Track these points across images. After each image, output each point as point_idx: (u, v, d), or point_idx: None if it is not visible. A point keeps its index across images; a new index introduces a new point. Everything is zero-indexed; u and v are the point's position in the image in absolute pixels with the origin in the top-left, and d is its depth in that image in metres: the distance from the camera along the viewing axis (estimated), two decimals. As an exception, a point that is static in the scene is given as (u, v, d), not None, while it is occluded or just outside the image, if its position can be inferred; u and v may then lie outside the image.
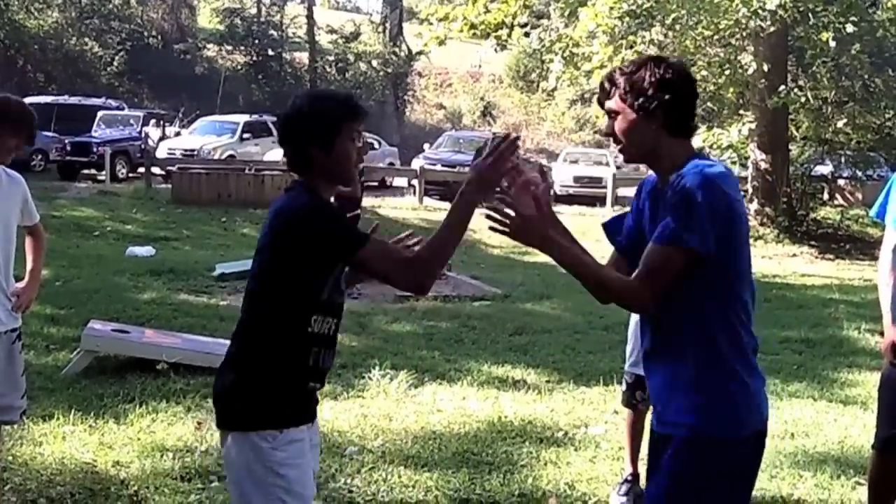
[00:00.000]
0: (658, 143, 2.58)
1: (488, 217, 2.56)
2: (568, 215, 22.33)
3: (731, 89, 19.35)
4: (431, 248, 2.68)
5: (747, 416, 2.58)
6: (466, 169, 19.27)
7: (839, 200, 24.11)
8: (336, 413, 5.72)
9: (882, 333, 4.03)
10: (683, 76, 2.60)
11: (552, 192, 17.01)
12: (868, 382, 6.80)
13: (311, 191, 2.70)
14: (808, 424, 5.96)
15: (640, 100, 2.54)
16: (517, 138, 2.64)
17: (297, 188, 2.73)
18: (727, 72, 18.79)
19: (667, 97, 2.53)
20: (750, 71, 18.14)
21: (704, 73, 19.13)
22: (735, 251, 2.53)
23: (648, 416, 4.77)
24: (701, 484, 2.55)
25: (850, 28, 17.42)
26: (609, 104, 2.62)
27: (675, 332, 2.59)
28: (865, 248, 19.49)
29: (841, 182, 24.32)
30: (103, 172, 23.84)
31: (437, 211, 21.84)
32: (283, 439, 2.63)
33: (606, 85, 2.62)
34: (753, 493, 4.61)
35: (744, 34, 18.70)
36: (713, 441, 2.53)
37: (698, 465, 2.54)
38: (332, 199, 2.87)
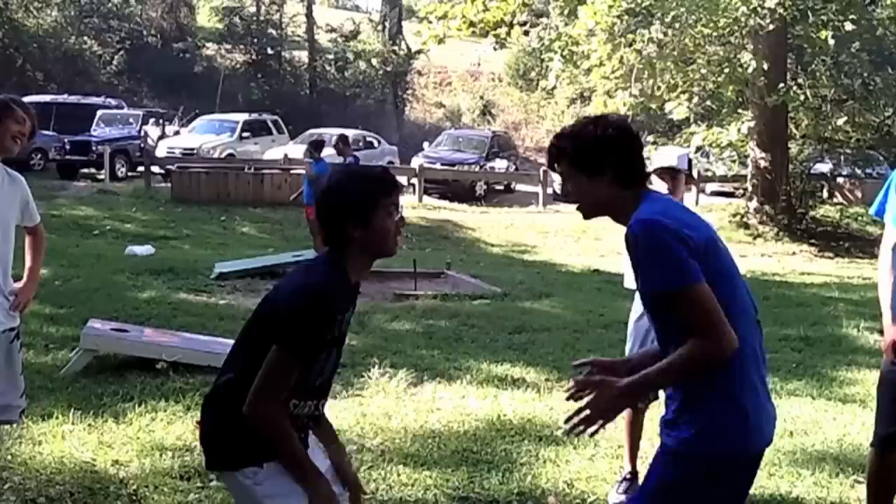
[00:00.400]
0: (612, 197, 2.66)
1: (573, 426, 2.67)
2: (567, 213, 22.36)
3: (731, 87, 19.36)
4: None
5: (743, 437, 2.60)
6: (466, 167, 19.42)
7: (838, 198, 24.12)
8: (335, 411, 5.70)
9: (881, 332, 4.03)
10: (624, 131, 2.67)
11: (553, 191, 16.80)
12: (867, 380, 6.80)
13: (336, 268, 2.71)
14: (807, 422, 5.96)
15: (587, 162, 2.63)
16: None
17: (322, 260, 2.77)
18: (726, 70, 18.81)
19: (612, 156, 2.62)
20: (749, 69, 18.15)
21: (704, 71, 19.15)
22: (717, 278, 2.54)
23: (648, 415, 4.78)
24: (683, 495, 2.60)
25: (849, 26, 17.43)
26: (560, 169, 2.71)
27: (673, 345, 2.62)
28: (865, 246, 19.50)
29: (840, 180, 24.32)
30: (103, 171, 23.84)
31: (437, 209, 21.87)
32: (264, 475, 2.65)
33: (554, 151, 2.71)
34: (752, 491, 4.62)
35: (743, 32, 18.69)
36: (702, 457, 2.57)
37: (685, 477, 2.59)
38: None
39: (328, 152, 14.91)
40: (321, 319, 2.61)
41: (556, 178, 28.92)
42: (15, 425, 4.72)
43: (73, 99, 28.95)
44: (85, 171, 24.85)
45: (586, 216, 2.76)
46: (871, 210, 4.09)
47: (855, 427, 5.79)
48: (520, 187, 26.83)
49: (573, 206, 2.73)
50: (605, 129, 2.63)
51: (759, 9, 17.21)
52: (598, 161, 2.62)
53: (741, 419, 2.59)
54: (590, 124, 2.67)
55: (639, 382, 2.60)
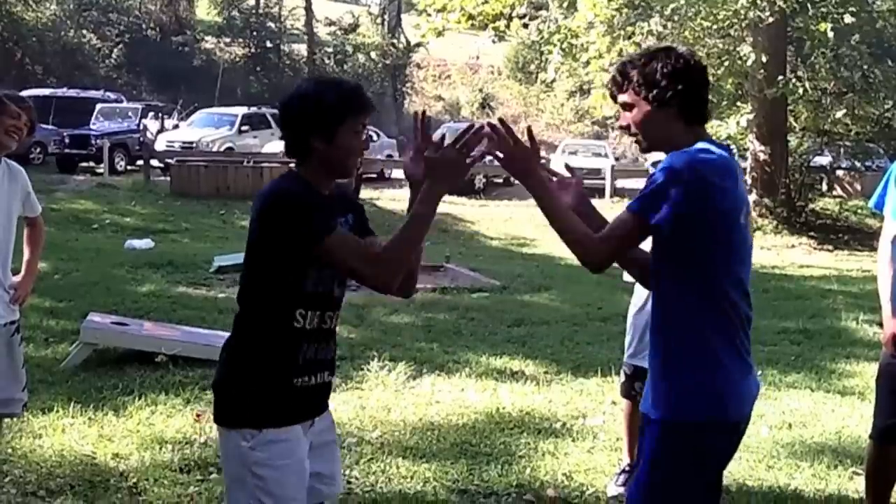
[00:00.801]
0: (673, 132, 2.61)
1: (490, 125, 2.57)
2: (567, 207, 22.35)
3: (730, 80, 19.35)
4: (397, 244, 2.54)
5: (725, 404, 2.59)
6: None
7: (838, 191, 24.14)
8: (335, 405, 5.72)
9: (881, 324, 4.03)
10: (694, 65, 2.62)
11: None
12: (866, 373, 6.81)
13: (299, 179, 2.63)
14: (806, 415, 5.97)
15: (654, 91, 2.57)
16: (481, 127, 2.56)
17: (287, 175, 2.68)
18: (726, 63, 18.78)
19: (680, 87, 2.56)
20: (749, 62, 18.13)
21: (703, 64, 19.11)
22: (707, 238, 2.53)
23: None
24: (671, 465, 2.58)
25: (848, 18, 17.42)
26: (622, 97, 2.64)
27: (665, 319, 2.64)
28: (864, 238, 19.51)
29: (840, 173, 24.35)
30: (102, 165, 23.82)
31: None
32: (262, 439, 2.57)
33: (619, 78, 2.63)
34: (751, 483, 4.65)
35: (742, 25, 18.68)
36: (685, 425, 2.56)
37: (670, 448, 2.58)
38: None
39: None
40: (311, 205, 2.52)
41: (557, 167, 29.25)
42: (15, 419, 4.73)
43: (72, 93, 28.94)
44: (84, 164, 24.83)
45: (644, 149, 2.72)
46: (871, 203, 4.09)
47: (853, 419, 5.80)
48: (519, 180, 26.79)
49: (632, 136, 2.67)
50: (677, 59, 2.57)
51: (758, 1, 17.21)
52: (666, 90, 2.55)
53: (726, 384, 2.58)
54: (660, 52, 2.60)
55: (539, 185, 2.64)
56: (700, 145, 2.57)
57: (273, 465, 2.57)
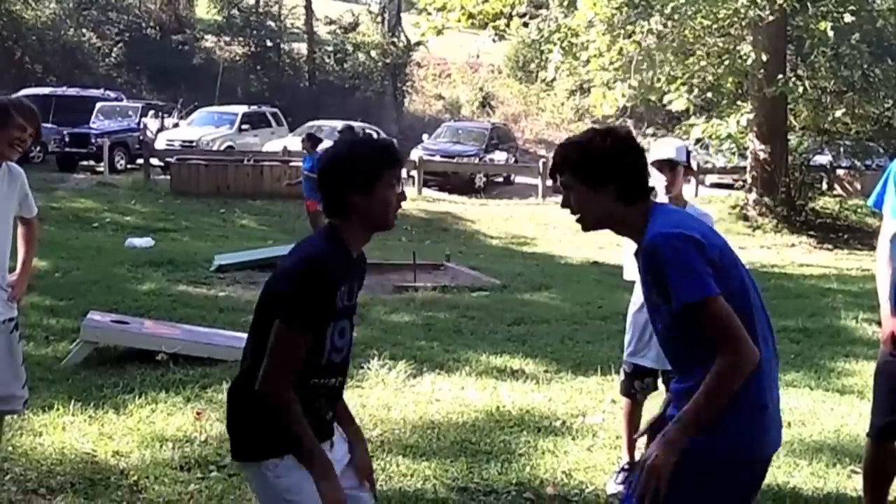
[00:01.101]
0: (613, 212, 2.65)
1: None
2: (567, 206, 22.35)
3: (730, 79, 19.37)
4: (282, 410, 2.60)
5: (754, 441, 2.61)
6: (465, 159, 19.42)
7: (838, 190, 24.13)
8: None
9: (880, 323, 4.04)
10: (629, 147, 2.65)
11: (552, 183, 16.78)
12: (865, 372, 6.82)
13: (334, 239, 2.69)
14: (805, 413, 5.98)
15: (592, 174, 2.61)
16: None
17: (323, 232, 2.74)
18: (726, 62, 18.80)
19: (613, 170, 2.60)
20: (749, 61, 18.14)
21: (703, 63, 19.14)
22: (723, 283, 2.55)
23: (646, 405, 4.80)
24: (692, 496, 2.57)
25: (848, 18, 17.43)
26: (563, 181, 2.68)
27: (688, 353, 2.64)
28: (864, 237, 19.51)
29: (840, 172, 24.34)
30: (102, 164, 23.80)
31: (437, 201, 21.86)
32: (285, 466, 2.62)
33: (557, 159, 2.68)
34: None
35: (743, 24, 18.68)
36: (715, 460, 2.56)
37: (695, 478, 2.55)
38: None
39: (327, 145, 14.80)
40: (318, 287, 2.57)
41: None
42: (16, 416, 4.74)
43: (72, 91, 28.89)
44: (84, 163, 24.82)
45: (586, 228, 2.73)
46: (869, 201, 4.10)
47: (852, 417, 5.81)
48: (519, 179, 26.83)
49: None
50: (612, 141, 2.61)
51: (758, 0, 17.20)
52: (601, 174, 2.59)
53: (754, 423, 2.60)
54: (597, 136, 2.64)
55: (680, 431, 2.52)
56: (659, 219, 2.59)
57: (302, 489, 2.63)
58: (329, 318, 2.64)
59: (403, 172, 23.31)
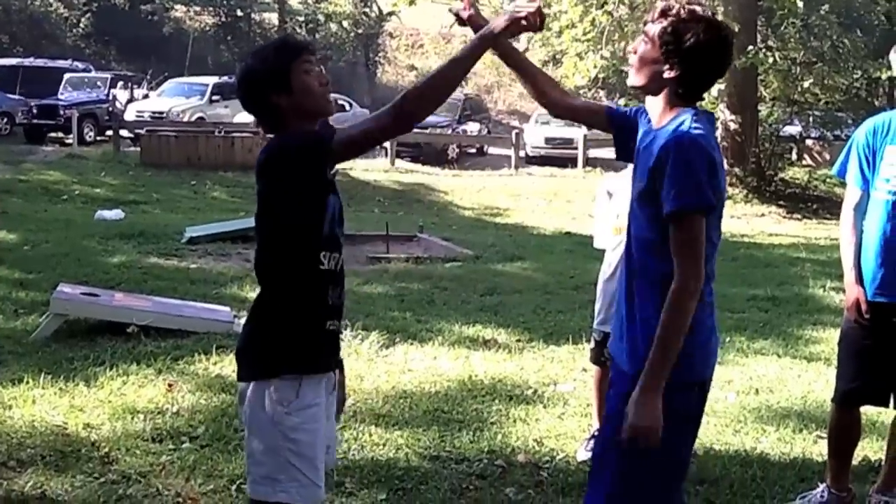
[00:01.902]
0: (662, 87, 2.66)
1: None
2: (539, 176, 22.41)
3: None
4: (424, 82, 2.59)
5: (699, 365, 2.69)
6: (438, 130, 19.23)
7: (807, 161, 24.32)
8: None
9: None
10: (721, 52, 2.64)
11: (525, 154, 16.87)
12: (832, 339, 6.87)
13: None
14: (773, 380, 6.06)
15: (671, 47, 2.60)
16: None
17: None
18: (697, 32, 18.77)
19: (692, 60, 2.59)
20: (720, 31, 18.15)
21: (675, 33, 19.12)
22: (720, 202, 2.63)
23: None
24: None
25: (817, -12, 17.47)
26: (649, 27, 2.67)
27: (643, 274, 2.69)
28: (832, 207, 19.69)
29: (809, 142, 24.52)
30: (71, 136, 23.55)
31: (409, 173, 21.81)
32: (298, 405, 2.63)
33: (657, 12, 2.65)
34: (718, 447, 4.73)
35: (714, -6, 18.68)
36: (675, 383, 2.59)
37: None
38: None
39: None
40: (307, 131, 2.65)
41: (529, 141, 29.13)
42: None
43: (39, 62, 28.54)
44: (53, 135, 24.54)
45: (632, 82, 2.73)
46: (833, 170, 4.15)
47: (819, 384, 5.91)
48: (492, 150, 26.82)
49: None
50: (710, 38, 2.59)
51: (730, -30, 17.22)
52: (679, 55, 2.59)
53: (710, 345, 2.71)
54: (702, 21, 2.59)
55: (650, 380, 2.56)
56: (688, 118, 2.61)
57: (307, 430, 2.65)
58: (327, 188, 2.67)
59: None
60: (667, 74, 2.62)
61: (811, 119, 23.46)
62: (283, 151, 2.62)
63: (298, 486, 2.63)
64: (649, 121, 2.75)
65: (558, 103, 3.00)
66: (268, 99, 2.68)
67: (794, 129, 23.55)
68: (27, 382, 5.30)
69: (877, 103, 21.99)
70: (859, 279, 3.94)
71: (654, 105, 2.71)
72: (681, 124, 2.60)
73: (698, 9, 2.63)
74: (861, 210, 3.97)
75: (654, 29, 2.64)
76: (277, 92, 2.66)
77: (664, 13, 2.63)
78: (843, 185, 4.15)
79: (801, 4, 17.49)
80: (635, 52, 2.70)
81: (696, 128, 2.58)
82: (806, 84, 20.16)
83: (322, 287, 2.70)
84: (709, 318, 2.69)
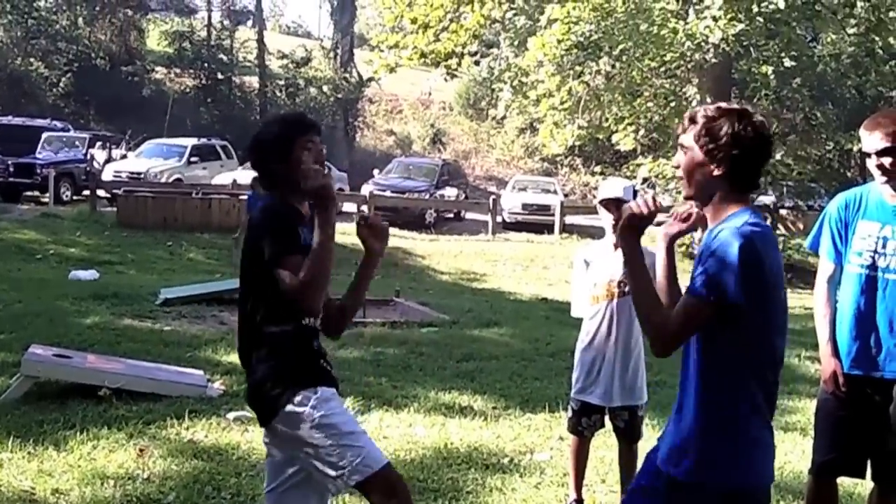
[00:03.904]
0: (715, 189, 2.66)
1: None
2: (516, 242, 22.51)
3: (676, 120, 19.68)
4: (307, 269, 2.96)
5: (758, 469, 2.69)
6: (416, 195, 19.45)
7: (781, 230, 24.59)
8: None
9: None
10: (760, 137, 2.65)
11: (502, 220, 17.00)
12: (808, 409, 6.91)
13: (274, 198, 3.14)
14: (749, 450, 6.03)
15: (711, 146, 2.62)
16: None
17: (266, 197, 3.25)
18: (672, 103, 19.16)
19: (736, 152, 2.60)
20: (694, 103, 18.52)
21: (650, 104, 19.49)
22: (764, 304, 2.58)
23: (593, 442, 4.83)
24: None
25: (789, 62, 17.89)
26: (683, 138, 2.70)
27: (696, 372, 2.66)
28: (807, 277, 19.84)
29: (783, 212, 24.83)
30: (47, 194, 23.45)
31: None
32: (318, 399, 2.98)
33: (686, 122, 2.70)
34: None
35: (688, 66, 19.09)
36: (709, 488, 2.59)
37: None
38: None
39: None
40: (285, 221, 3.02)
41: (506, 206, 29.33)
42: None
43: (17, 121, 28.49)
44: (28, 193, 24.42)
45: (686, 195, 2.75)
46: (806, 243, 4.20)
47: (795, 455, 5.89)
48: (469, 215, 26.95)
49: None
50: (745, 126, 2.61)
51: (703, 44, 17.60)
52: (719, 150, 2.60)
53: (756, 451, 2.66)
54: (734, 113, 2.63)
55: (636, 251, 2.75)
56: (746, 217, 2.60)
57: (336, 413, 3.04)
58: (302, 252, 2.97)
59: (354, 207, 23.13)
60: (715, 173, 2.63)
61: (785, 189, 23.80)
62: (258, 221, 3.10)
63: (366, 454, 2.99)
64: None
65: None
66: (268, 165, 3.11)
67: (768, 199, 23.87)
68: (-5, 446, 5.20)
69: (849, 174, 22.41)
70: (835, 352, 3.96)
71: (711, 210, 2.70)
72: (738, 221, 2.59)
73: (723, 104, 2.70)
74: (834, 283, 4.02)
75: (688, 137, 2.67)
76: (276, 161, 3.07)
77: (692, 119, 2.68)
78: (817, 255, 4.21)
79: (773, 78, 17.88)
80: (677, 167, 2.74)
81: (753, 223, 2.58)
82: (779, 156, 20.51)
83: (308, 336, 3.11)
84: (755, 428, 2.66)
